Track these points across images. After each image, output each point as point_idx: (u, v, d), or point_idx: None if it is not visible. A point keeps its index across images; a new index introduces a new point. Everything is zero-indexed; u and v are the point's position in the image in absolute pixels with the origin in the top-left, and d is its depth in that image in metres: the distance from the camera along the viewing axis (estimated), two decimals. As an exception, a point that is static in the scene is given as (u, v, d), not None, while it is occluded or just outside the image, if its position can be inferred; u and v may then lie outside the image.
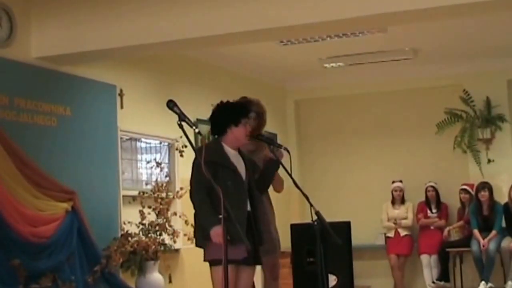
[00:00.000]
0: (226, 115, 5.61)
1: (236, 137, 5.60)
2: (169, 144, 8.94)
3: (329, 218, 5.59)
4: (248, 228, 5.43)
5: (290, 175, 5.70)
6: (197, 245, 5.52)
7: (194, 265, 8.61)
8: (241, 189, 5.52)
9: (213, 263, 5.39)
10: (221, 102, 5.70)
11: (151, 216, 7.80)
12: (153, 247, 7.55)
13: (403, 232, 11.05)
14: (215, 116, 5.65)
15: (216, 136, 5.66)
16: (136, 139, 8.55)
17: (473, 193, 10.56)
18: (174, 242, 8.01)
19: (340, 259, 7.69)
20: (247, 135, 5.68)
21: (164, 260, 7.80)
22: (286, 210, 11.17)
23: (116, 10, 6.68)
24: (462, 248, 10.47)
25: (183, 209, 8.22)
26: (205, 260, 5.48)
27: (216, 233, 5.14)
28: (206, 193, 5.33)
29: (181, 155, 8.27)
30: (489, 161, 10.91)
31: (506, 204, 10.24)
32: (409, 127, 11.55)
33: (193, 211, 5.63)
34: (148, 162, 8.50)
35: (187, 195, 7.92)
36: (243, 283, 5.56)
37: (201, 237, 5.46)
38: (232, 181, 5.45)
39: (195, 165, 5.42)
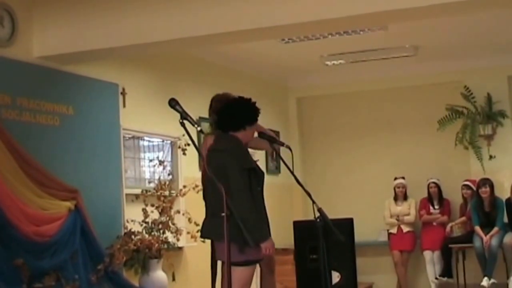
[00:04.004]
0: (247, 112, 5.57)
1: (247, 136, 5.58)
2: (171, 142, 8.96)
3: (331, 215, 5.61)
4: None
5: (292, 172, 5.71)
6: (240, 250, 5.31)
7: (197, 263, 8.64)
8: (262, 190, 5.60)
9: (243, 263, 5.28)
10: (240, 97, 5.66)
11: (154, 214, 7.82)
12: (157, 245, 7.55)
13: (405, 229, 11.06)
14: (235, 110, 5.58)
15: (221, 131, 5.64)
16: (138, 138, 8.56)
17: (475, 188, 10.55)
18: (178, 240, 8.04)
19: (343, 256, 7.72)
20: (253, 136, 5.71)
21: (168, 258, 7.81)
22: (288, 207, 11.20)
23: (118, 9, 6.69)
24: (464, 244, 10.46)
25: (186, 207, 8.25)
26: (237, 261, 5.38)
27: (271, 244, 5.34)
28: (252, 200, 5.33)
29: (184, 153, 8.27)
30: (490, 157, 10.92)
31: (508, 200, 10.26)
32: (410, 124, 11.57)
33: (204, 210, 5.64)
34: (150, 161, 8.52)
35: (190, 193, 8.04)
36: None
37: (242, 243, 5.19)
38: (261, 185, 5.51)
39: (235, 171, 5.32)
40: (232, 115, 5.56)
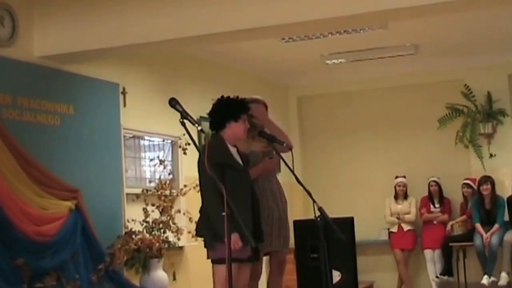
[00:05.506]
0: (226, 110, 5.61)
1: (235, 133, 5.60)
2: (172, 141, 8.96)
3: (332, 214, 5.62)
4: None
5: (292, 171, 5.71)
6: (205, 246, 5.56)
7: (198, 262, 8.63)
8: (248, 189, 5.55)
9: (219, 261, 5.36)
10: (222, 96, 5.71)
11: (154, 214, 7.82)
12: (157, 244, 7.56)
13: (406, 227, 11.05)
14: (215, 110, 5.67)
15: (214, 132, 5.66)
16: (139, 137, 8.56)
17: (475, 187, 10.55)
18: (178, 239, 8.04)
19: (344, 254, 7.70)
20: (245, 132, 5.69)
21: (168, 257, 7.82)
22: (289, 207, 11.15)
23: (118, 9, 6.69)
24: (465, 243, 10.45)
25: (187, 207, 8.25)
26: (212, 259, 5.50)
27: (236, 240, 5.18)
28: (219, 196, 5.28)
29: (184, 153, 8.27)
30: (491, 155, 10.92)
31: (509, 198, 10.25)
32: (411, 123, 11.57)
33: (198, 209, 5.64)
34: (151, 160, 8.52)
35: (191, 192, 8.05)
36: (243, 280, 5.59)
37: (210, 238, 5.43)
38: (240, 182, 5.46)
39: (203, 167, 5.33)
40: (215, 114, 5.66)
